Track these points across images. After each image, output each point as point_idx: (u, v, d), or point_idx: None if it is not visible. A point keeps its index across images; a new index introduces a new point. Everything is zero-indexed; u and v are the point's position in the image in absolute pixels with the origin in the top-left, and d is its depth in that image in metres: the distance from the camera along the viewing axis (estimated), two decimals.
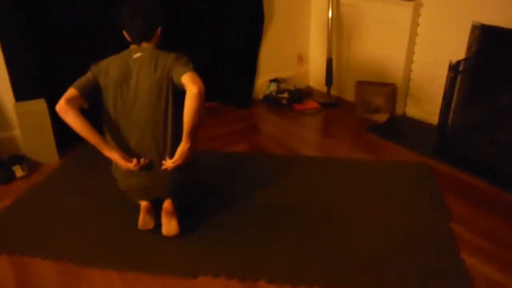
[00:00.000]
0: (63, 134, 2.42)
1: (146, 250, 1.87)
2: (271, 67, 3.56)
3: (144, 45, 1.85)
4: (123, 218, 2.04)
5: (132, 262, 1.80)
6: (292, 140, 2.89)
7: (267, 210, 2.11)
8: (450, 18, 2.73)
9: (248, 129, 3.07)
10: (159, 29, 1.87)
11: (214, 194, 2.24)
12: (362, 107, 3.19)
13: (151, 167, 1.86)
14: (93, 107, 1.83)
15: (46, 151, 2.56)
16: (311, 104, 3.44)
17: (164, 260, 1.81)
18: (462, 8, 2.64)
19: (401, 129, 3.05)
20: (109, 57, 1.85)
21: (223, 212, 2.09)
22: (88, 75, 1.82)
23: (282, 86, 3.57)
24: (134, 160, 1.81)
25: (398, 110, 3.19)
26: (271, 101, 3.48)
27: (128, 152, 1.85)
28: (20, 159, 2.45)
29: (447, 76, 2.54)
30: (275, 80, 3.57)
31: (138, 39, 1.85)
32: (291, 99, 3.43)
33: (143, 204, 1.96)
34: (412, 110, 3.15)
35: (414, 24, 2.93)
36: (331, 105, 3.45)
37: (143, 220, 1.96)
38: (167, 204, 1.93)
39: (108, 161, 1.88)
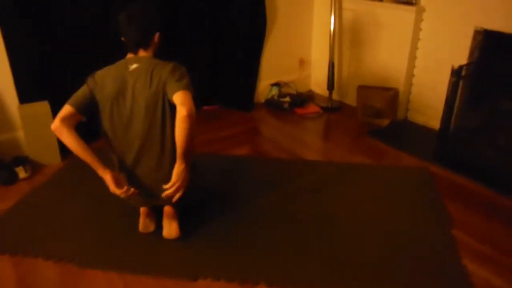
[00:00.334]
0: None
1: (147, 253, 1.88)
2: (273, 71, 3.58)
3: (141, 53, 1.79)
4: (125, 221, 2.05)
5: (133, 264, 1.81)
6: (293, 144, 2.89)
7: (268, 214, 2.12)
8: (452, 23, 2.74)
9: (250, 132, 3.08)
10: (157, 35, 1.81)
11: (215, 197, 2.25)
12: (364, 112, 3.19)
13: (146, 192, 1.83)
14: (92, 118, 1.80)
15: (49, 153, 2.57)
16: (313, 108, 3.45)
17: (164, 263, 1.82)
18: (465, 13, 2.65)
19: (403, 133, 3.05)
20: (106, 68, 1.79)
21: (223, 216, 2.10)
22: (84, 89, 1.77)
23: (284, 90, 3.58)
24: (124, 188, 1.76)
25: (400, 115, 3.19)
26: (272, 105, 3.49)
27: (126, 165, 1.83)
28: (23, 161, 2.47)
29: (449, 81, 2.55)
30: (276, 84, 3.58)
31: (135, 47, 1.78)
32: (293, 103, 3.44)
33: (142, 208, 1.97)
34: (414, 115, 3.16)
35: (416, 29, 2.94)
36: (333, 109, 3.45)
37: (144, 223, 1.97)
38: (168, 208, 1.94)
39: (111, 164, 1.89)
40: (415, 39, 2.97)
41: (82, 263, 1.81)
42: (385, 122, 3.11)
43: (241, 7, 3.15)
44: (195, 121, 1.63)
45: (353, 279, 1.71)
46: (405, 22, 2.94)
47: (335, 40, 3.43)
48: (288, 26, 3.55)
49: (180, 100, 1.62)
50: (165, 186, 1.74)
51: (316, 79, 3.83)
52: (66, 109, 1.72)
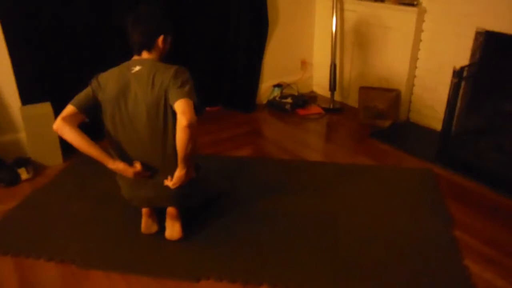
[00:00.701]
0: None
1: (149, 254, 1.87)
2: (275, 72, 3.58)
3: (145, 55, 1.78)
4: (127, 221, 2.05)
5: (136, 265, 1.81)
6: (295, 145, 2.90)
7: (270, 215, 2.11)
8: (454, 24, 2.74)
9: (252, 133, 3.08)
10: (161, 38, 1.79)
11: (217, 198, 2.25)
12: (366, 113, 3.19)
13: (154, 176, 1.84)
14: (95, 120, 1.81)
15: (51, 154, 2.58)
16: (315, 110, 3.45)
17: (167, 264, 1.82)
18: (466, 14, 2.65)
19: (405, 135, 3.05)
20: (110, 69, 1.79)
21: (226, 216, 2.10)
22: (88, 90, 1.77)
23: (286, 91, 3.58)
24: (140, 167, 1.79)
25: (402, 116, 3.19)
26: (274, 106, 3.49)
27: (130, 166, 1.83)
28: (25, 162, 2.47)
29: (451, 82, 2.54)
30: (278, 85, 3.58)
31: (138, 49, 1.78)
32: (295, 104, 3.44)
33: (144, 209, 1.97)
34: (416, 116, 3.16)
35: (418, 30, 2.94)
36: (335, 110, 3.45)
37: (146, 224, 1.97)
38: (171, 208, 1.94)
39: None
40: (417, 40, 2.97)
41: (85, 264, 1.81)
42: (387, 123, 3.11)
43: (244, 9, 3.16)
44: (196, 129, 1.62)
45: (355, 279, 1.71)
46: (407, 24, 2.94)
47: (337, 41, 3.44)
48: (290, 27, 3.55)
49: (181, 109, 1.62)
50: (167, 182, 1.80)
51: (318, 80, 3.83)
52: (68, 108, 1.74)
